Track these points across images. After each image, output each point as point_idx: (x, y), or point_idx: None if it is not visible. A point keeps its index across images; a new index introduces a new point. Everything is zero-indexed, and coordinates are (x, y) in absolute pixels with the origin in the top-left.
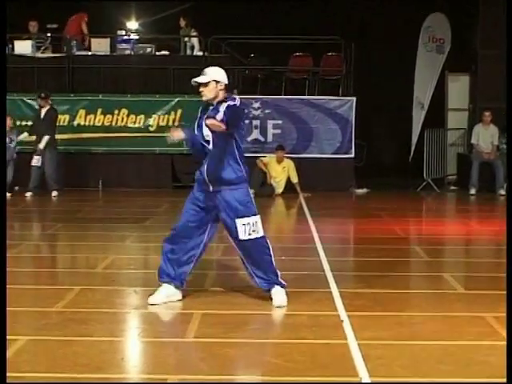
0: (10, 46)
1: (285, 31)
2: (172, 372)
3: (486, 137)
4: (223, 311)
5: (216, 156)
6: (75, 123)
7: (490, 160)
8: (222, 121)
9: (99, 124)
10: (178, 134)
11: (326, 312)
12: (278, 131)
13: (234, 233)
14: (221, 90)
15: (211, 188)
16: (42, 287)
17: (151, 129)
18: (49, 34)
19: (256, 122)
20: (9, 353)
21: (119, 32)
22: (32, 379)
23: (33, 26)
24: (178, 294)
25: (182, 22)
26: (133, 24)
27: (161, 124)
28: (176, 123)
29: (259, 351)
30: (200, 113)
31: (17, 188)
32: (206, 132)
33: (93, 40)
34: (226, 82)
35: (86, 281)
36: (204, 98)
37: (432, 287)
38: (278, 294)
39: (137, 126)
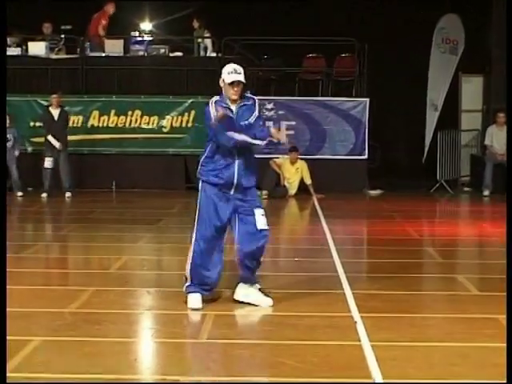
0: (24, 47)
1: (298, 32)
2: (185, 373)
3: (500, 138)
4: (236, 312)
5: (246, 159)
6: (89, 124)
7: (504, 161)
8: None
9: (113, 125)
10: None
11: (339, 313)
12: (292, 132)
13: (251, 225)
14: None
15: (232, 192)
16: (55, 288)
17: (165, 130)
18: (63, 36)
19: (269, 123)
20: (23, 353)
21: (133, 33)
22: (46, 380)
23: (47, 27)
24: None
25: (196, 24)
26: (146, 25)
27: (174, 125)
28: (190, 124)
29: (272, 352)
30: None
31: (30, 189)
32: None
33: (106, 41)
34: None
35: (99, 282)
36: (234, 97)
37: (446, 289)
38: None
39: (150, 127)
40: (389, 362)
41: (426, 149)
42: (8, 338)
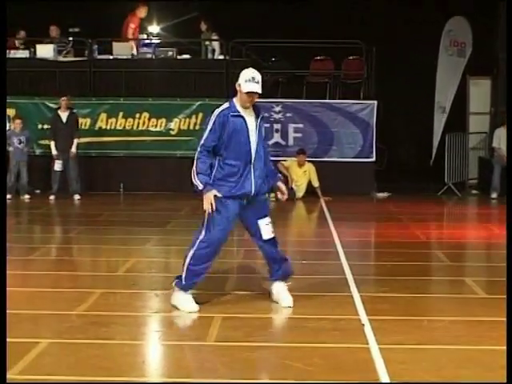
0: (32, 49)
1: (306, 35)
2: (193, 375)
3: None
4: (244, 315)
5: (261, 167)
6: (96, 127)
7: None
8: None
9: (120, 127)
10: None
11: (347, 316)
12: (299, 135)
13: (257, 233)
14: None
15: (245, 201)
16: (63, 290)
17: (172, 132)
18: (71, 38)
19: (277, 126)
20: (31, 356)
21: (141, 36)
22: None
23: (53, 30)
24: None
25: (203, 26)
26: (154, 28)
27: (182, 127)
28: (197, 127)
29: (280, 355)
30: (232, 119)
31: (38, 191)
32: (255, 139)
33: (114, 44)
34: None
35: (107, 284)
36: (248, 105)
37: (453, 292)
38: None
39: (158, 129)
40: (396, 365)
41: (434, 151)
42: (15, 340)
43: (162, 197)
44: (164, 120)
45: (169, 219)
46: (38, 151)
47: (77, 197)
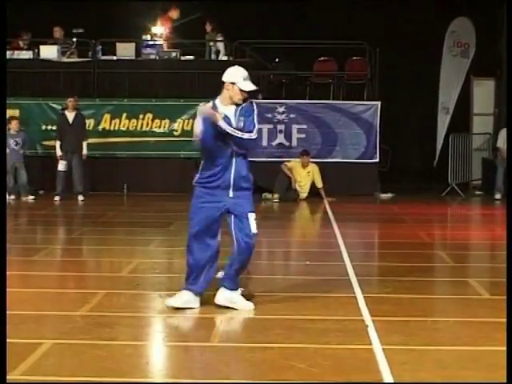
0: (36, 50)
1: (309, 36)
2: (197, 376)
3: None
4: (247, 316)
5: (242, 159)
6: (100, 128)
7: None
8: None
9: (124, 128)
10: (216, 116)
11: (350, 317)
12: (303, 136)
13: (246, 228)
14: None
15: (231, 193)
16: (67, 291)
17: (176, 133)
18: (74, 39)
19: (281, 127)
20: (34, 356)
21: (144, 37)
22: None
23: (56, 31)
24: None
25: (209, 27)
26: (158, 29)
27: (185, 128)
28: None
29: (283, 356)
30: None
31: (42, 192)
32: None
33: (118, 45)
34: None
35: (110, 285)
36: (240, 102)
37: (457, 292)
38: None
39: (162, 130)
40: (400, 366)
41: (438, 152)
42: (19, 340)
43: (165, 197)
44: (168, 121)
45: (172, 220)
46: (40, 152)
47: (81, 197)
